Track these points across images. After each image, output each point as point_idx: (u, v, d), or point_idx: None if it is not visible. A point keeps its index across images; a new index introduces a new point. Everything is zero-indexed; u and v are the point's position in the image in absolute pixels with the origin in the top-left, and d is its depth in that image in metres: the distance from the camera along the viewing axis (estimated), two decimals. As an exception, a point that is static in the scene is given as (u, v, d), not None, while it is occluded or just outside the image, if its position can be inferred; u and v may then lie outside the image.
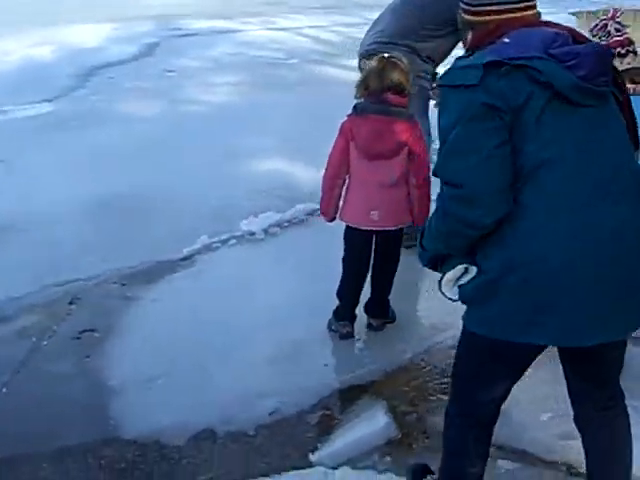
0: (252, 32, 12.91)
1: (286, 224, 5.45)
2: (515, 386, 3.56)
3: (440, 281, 2.39)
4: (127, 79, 9.55)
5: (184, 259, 4.93)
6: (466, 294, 2.35)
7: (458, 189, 2.20)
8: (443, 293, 2.40)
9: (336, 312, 4.09)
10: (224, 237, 5.20)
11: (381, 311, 4.16)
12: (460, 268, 2.33)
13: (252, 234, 5.26)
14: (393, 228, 3.91)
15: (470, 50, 2.43)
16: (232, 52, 11.25)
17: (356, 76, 4.19)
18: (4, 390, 3.62)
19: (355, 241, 3.97)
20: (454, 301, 2.43)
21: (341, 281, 4.06)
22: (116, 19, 13.31)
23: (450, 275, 2.35)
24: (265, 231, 5.31)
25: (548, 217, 2.18)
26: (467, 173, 2.18)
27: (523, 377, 3.64)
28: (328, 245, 4.87)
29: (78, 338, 4.06)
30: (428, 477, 2.93)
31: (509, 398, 3.08)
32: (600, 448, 2.63)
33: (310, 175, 6.13)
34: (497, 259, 2.25)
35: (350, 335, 4.05)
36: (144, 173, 6.19)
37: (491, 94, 2.16)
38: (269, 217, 5.46)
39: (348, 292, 4.07)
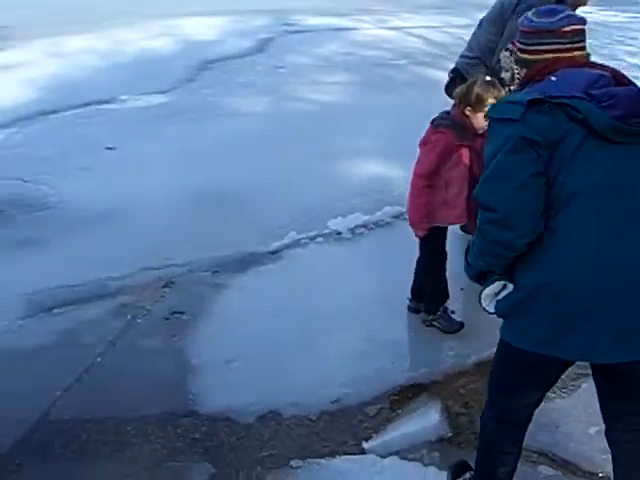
0: (364, 31, 13.10)
1: (372, 226, 5.64)
2: (569, 399, 3.76)
3: (480, 295, 2.63)
4: (239, 74, 9.86)
5: (272, 252, 5.21)
6: (502, 308, 2.60)
7: (493, 213, 2.45)
8: (482, 306, 2.64)
9: None
10: (312, 234, 5.45)
11: (418, 298, 4.48)
12: (499, 284, 2.58)
13: (339, 233, 5.49)
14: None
15: (522, 86, 2.66)
16: (343, 51, 11.43)
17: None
18: (99, 360, 4.02)
19: None
20: (491, 314, 2.67)
21: None
22: (233, 12, 13.69)
23: (489, 290, 2.61)
24: (352, 231, 5.53)
25: (577, 244, 2.40)
26: (502, 199, 2.43)
27: (577, 390, 3.83)
28: (411, 249, 5.05)
29: (168, 319, 4.40)
30: (467, 473, 3.16)
31: (561, 410, 3.22)
32: (627, 465, 2.78)
33: (403, 177, 6.27)
34: (529, 278, 2.49)
35: (413, 310, 4.50)
36: (244, 167, 6.51)
37: (531, 129, 2.39)
38: (357, 218, 5.68)
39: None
